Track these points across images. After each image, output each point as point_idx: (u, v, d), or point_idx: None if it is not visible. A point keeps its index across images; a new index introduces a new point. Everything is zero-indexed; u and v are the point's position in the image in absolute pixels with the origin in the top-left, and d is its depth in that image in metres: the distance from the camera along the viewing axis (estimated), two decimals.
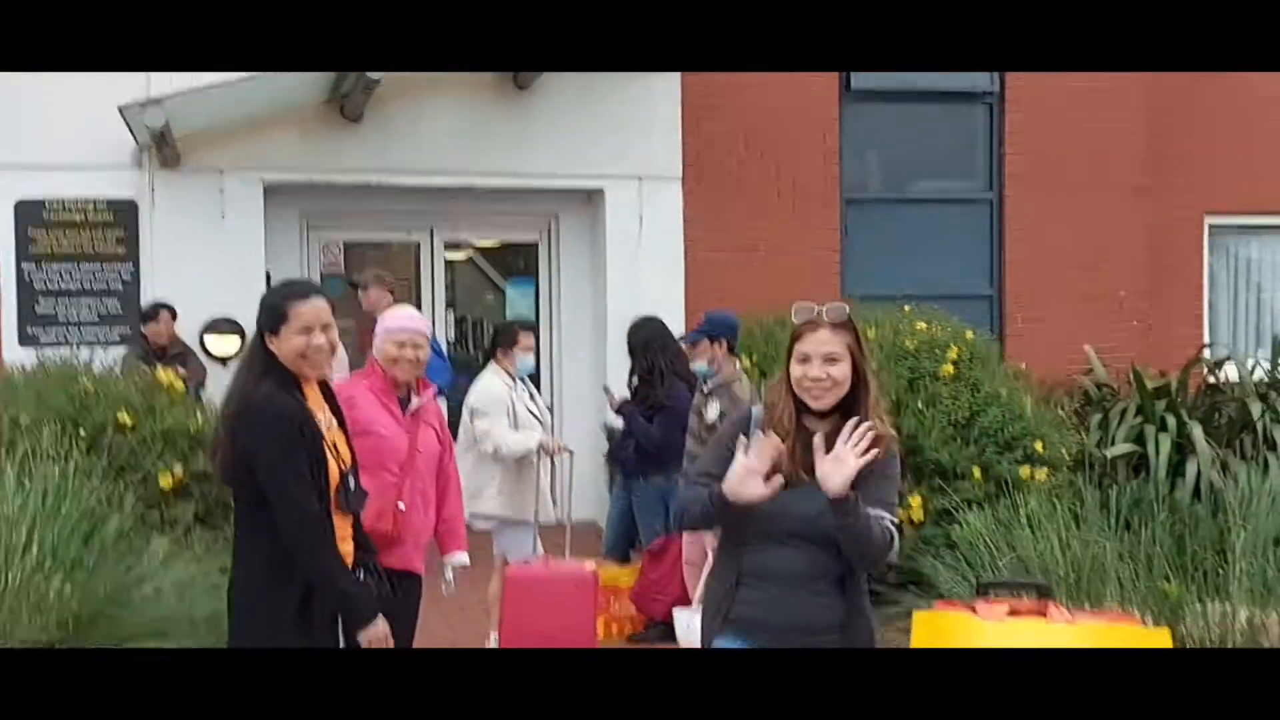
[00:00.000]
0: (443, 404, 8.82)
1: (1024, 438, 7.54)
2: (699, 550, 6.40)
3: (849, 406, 3.35)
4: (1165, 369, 10.12)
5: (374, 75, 8.23)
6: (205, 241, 9.03)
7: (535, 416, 6.80)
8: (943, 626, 3.35)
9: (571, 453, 6.91)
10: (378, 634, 3.64)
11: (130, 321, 9.02)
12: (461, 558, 5.09)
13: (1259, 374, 10.12)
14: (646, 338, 7.13)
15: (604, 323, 9.84)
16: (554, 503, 7.01)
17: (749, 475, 3.20)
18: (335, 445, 3.78)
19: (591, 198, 10.27)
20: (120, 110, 7.90)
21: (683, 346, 7.06)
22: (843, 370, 3.32)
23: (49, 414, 6.34)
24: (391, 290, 8.59)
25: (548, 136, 9.70)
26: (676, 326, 8.24)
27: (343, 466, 3.77)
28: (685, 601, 6.59)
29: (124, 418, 6.53)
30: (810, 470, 3.21)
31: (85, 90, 8.13)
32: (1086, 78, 10.35)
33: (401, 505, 4.58)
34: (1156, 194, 11.08)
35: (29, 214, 9.00)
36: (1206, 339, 11.33)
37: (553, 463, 6.92)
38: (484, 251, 11.02)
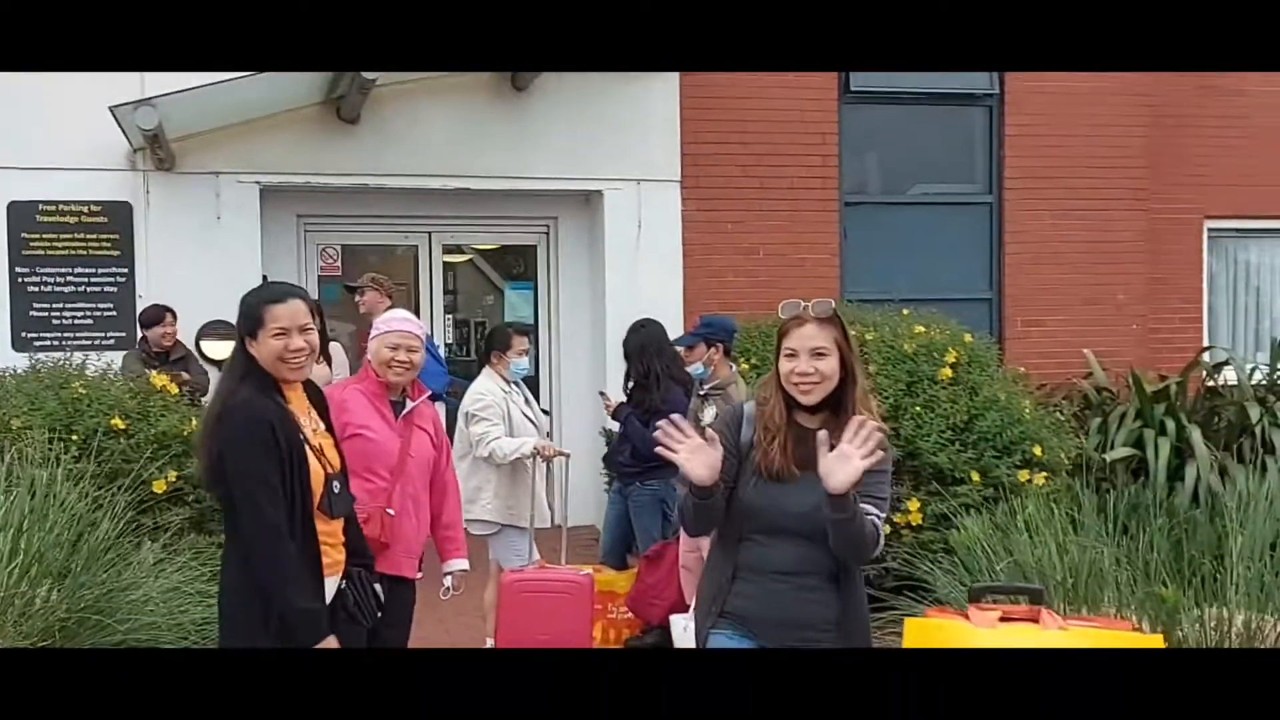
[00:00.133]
0: (441, 409, 8.89)
1: (1022, 442, 7.51)
2: (696, 555, 6.37)
3: (838, 401, 3.39)
4: (1164, 373, 10.12)
5: (370, 76, 8.20)
6: (201, 244, 9.00)
7: (531, 420, 6.77)
8: (934, 633, 3.33)
9: (567, 456, 6.87)
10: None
11: (125, 325, 8.98)
12: (461, 564, 5.05)
13: (1258, 377, 10.10)
14: (642, 342, 7.09)
15: (603, 325, 9.82)
16: (550, 507, 6.98)
17: (693, 452, 3.25)
18: (321, 449, 3.76)
19: (590, 200, 10.25)
20: (112, 110, 7.88)
21: (679, 350, 7.03)
22: (830, 365, 3.37)
23: (41, 418, 6.31)
24: (389, 294, 8.57)
25: (546, 139, 9.68)
26: (675, 329, 8.21)
27: (328, 470, 3.75)
28: (682, 606, 6.56)
29: (116, 422, 6.50)
30: (803, 465, 3.26)
31: (80, 91, 8.11)
32: (1087, 80, 10.35)
33: (390, 511, 4.55)
34: (1156, 197, 11.07)
35: (22, 216, 8.96)
36: (1206, 342, 11.32)
37: (549, 467, 6.89)
38: (485, 254, 11.00)
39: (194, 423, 6.52)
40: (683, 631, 6.29)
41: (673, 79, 9.81)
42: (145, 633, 4.33)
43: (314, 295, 9.37)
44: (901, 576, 6.66)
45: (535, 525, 6.64)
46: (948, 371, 7.61)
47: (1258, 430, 9.03)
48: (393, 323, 4.76)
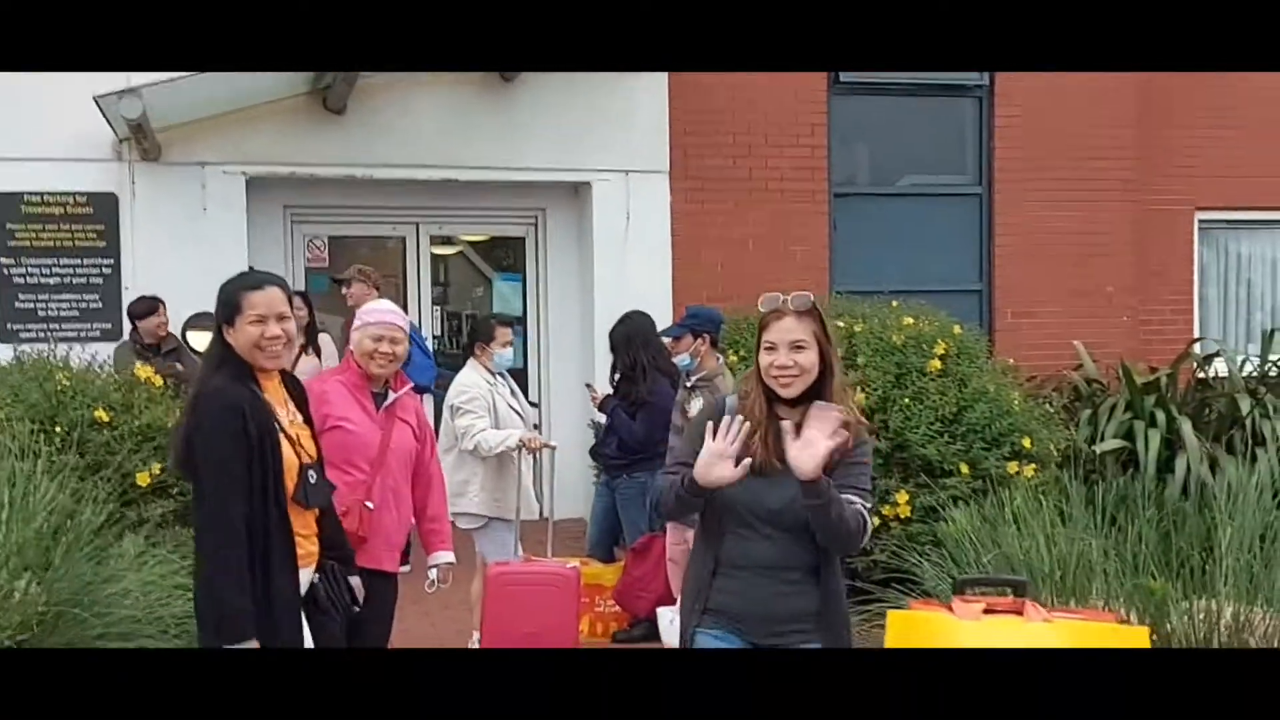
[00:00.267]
0: (429, 401, 8.85)
1: (1012, 434, 7.49)
2: (683, 548, 6.34)
3: (818, 394, 3.39)
4: (1155, 364, 10.10)
5: None
6: (186, 235, 8.94)
7: (517, 412, 6.74)
8: (917, 625, 3.31)
9: (553, 448, 6.84)
10: None
11: (111, 317, 8.94)
12: (446, 557, 5.00)
13: (1249, 369, 10.09)
14: (628, 333, 7.06)
15: (591, 317, 9.78)
16: (538, 499, 6.95)
17: (718, 458, 3.25)
18: (298, 439, 3.73)
19: (579, 191, 10.21)
20: (96, 100, 7.82)
21: (665, 341, 7.00)
22: (809, 358, 3.37)
23: (24, 410, 6.27)
24: (377, 285, 8.52)
25: (534, 130, 9.64)
26: (664, 321, 8.19)
27: (304, 460, 3.72)
28: (669, 599, 6.54)
29: (100, 414, 6.46)
30: (783, 458, 3.25)
31: (64, 81, 8.03)
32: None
33: (370, 504, 4.50)
34: (1147, 189, 11.06)
35: (7, 207, 8.90)
36: (1196, 334, 11.30)
37: (535, 459, 6.86)
38: (475, 245, 10.96)
39: (178, 414, 6.49)
40: (669, 624, 6.27)
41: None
42: (125, 626, 4.30)
43: (300, 286, 9.35)
44: (890, 569, 6.64)
45: (523, 517, 6.61)
46: (936, 363, 7.58)
47: (1248, 422, 9.01)
48: (376, 314, 4.72)
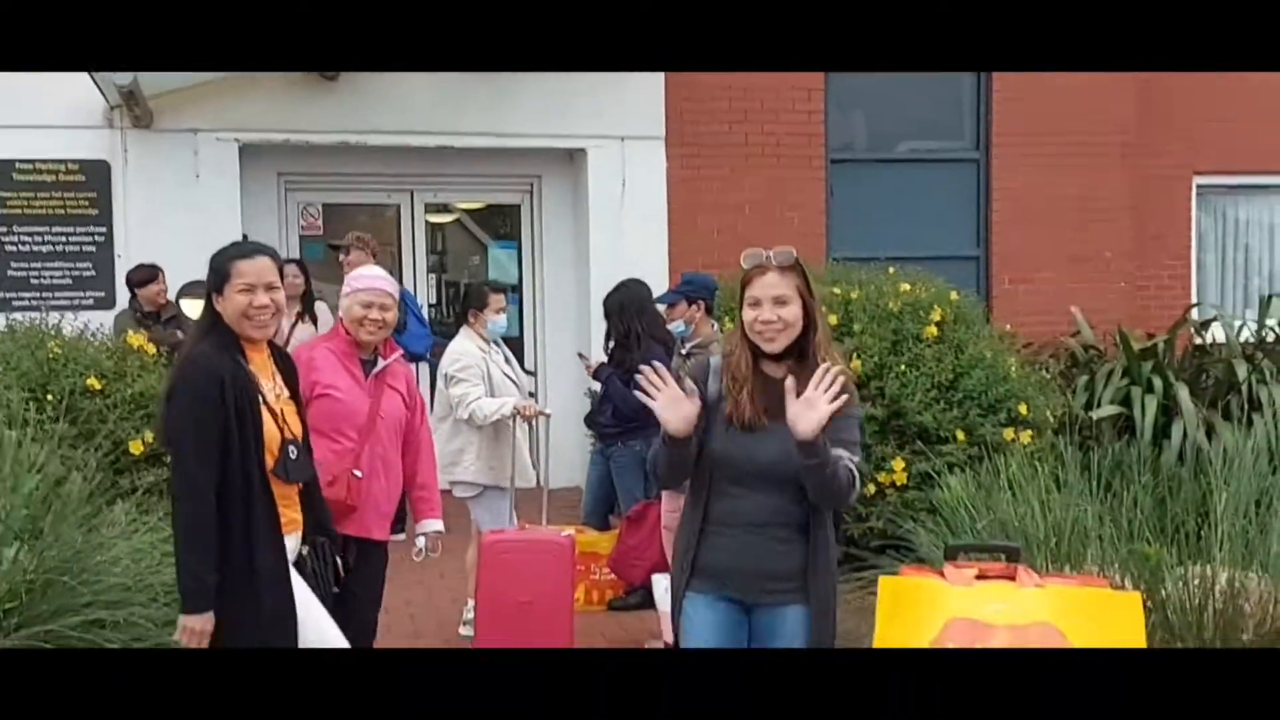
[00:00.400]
0: (424, 370, 8.82)
1: (1008, 400, 7.46)
2: (678, 516, 6.32)
3: (801, 349, 3.44)
4: (1152, 330, 10.07)
5: None
6: (179, 203, 8.90)
7: (511, 380, 6.70)
8: (909, 591, 3.29)
9: (548, 415, 6.81)
10: (193, 626, 3.51)
11: (104, 285, 8.91)
12: (435, 525, 4.97)
13: (1246, 335, 10.06)
14: (622, 300, 7.02)
15: (587, 284, 9.75)
16: (533, 468, 6.93)
17: (672, 402, 3.31)
18: (282, 414, 3.72)
19: (574, 158, 10.16)
20: None
21: (660, 309, 6.96)
22: (793, 312, 3.42)
23: (15, 378, 6.24)
24: (374, 253, 8.47)
25: (528, 96, 9.57)
26: (660, 288, 8.14)
27: (286, 435, 3.70)
28: (664, 567, 6.51)
29: (93, 382, 6.44)
30: (770, 414, 3.31)
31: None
32: None
33: (358, 473, 4.48)
34: (1144, 154, 11.00)
35: None
36: (1194, 300, 11.27)
37: (531, 427, 6.83)
38: (472, 213, 10.91)
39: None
40: (664, 592, 6.25)
41: None
42: (114, 594, 4.28)
43: (295, 254, 9.31)
44: (885, 536, 6.64)
45: (518, 486, 6.58)
46: (933, 330, 7.55)
47: (1245, 387, 8.98)
48: (365, 279, 4.68)
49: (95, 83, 8.03)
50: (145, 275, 8.32)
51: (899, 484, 7.09)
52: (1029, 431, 7.39)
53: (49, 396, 6.19)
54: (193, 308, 8.67)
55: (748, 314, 3.44)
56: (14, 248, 8.93)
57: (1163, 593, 4.73)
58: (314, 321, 8.42)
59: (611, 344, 7.17)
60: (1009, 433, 7.28)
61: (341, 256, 8.56)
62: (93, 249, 9.01)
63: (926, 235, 10.50)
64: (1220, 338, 9.99)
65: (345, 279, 4.84)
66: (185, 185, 8.96)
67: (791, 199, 10.23)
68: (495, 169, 10.15)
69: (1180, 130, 11.14)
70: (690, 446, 3.39)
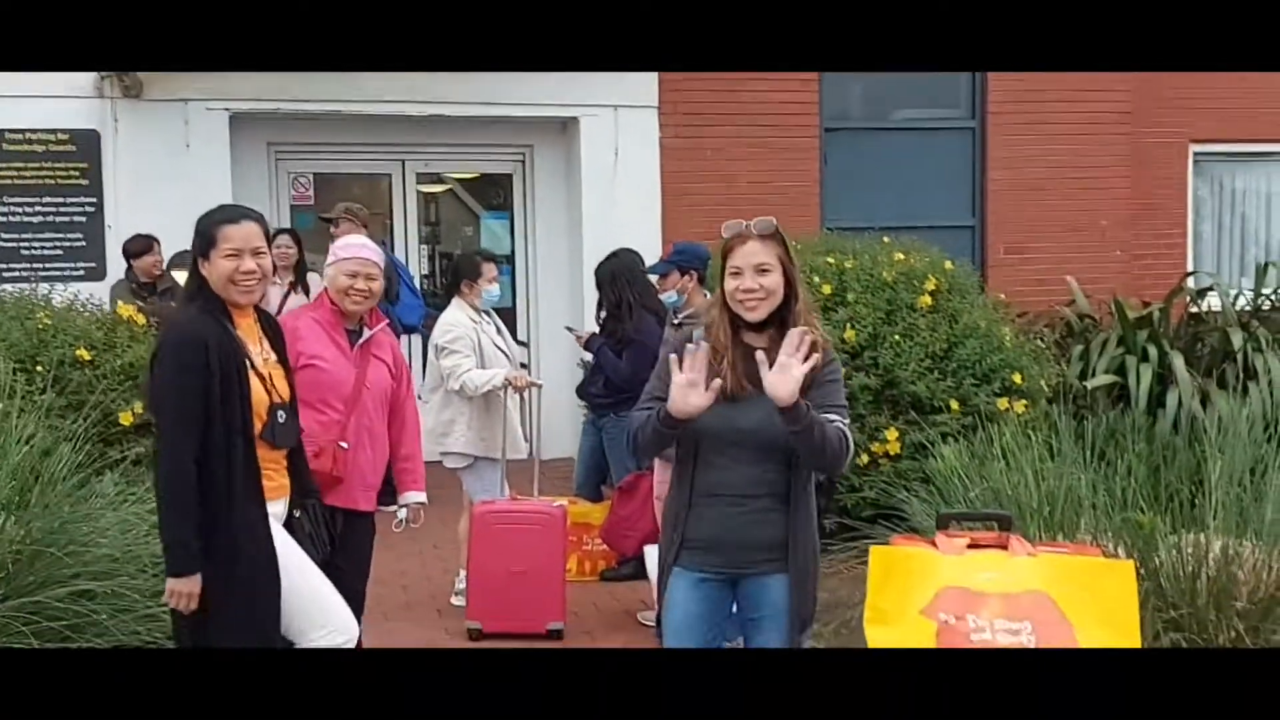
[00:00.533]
0: (416, 341, 8.78)
1: (1002, 369, 7.43)
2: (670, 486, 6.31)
3: (782, 317, 3.46)
4: (1148, 299, 10.05)
5: None
6: (170, 173, 8.83)
7: (502, 351, 6.67)
8: (900, 560, 3.27)
9: (540, 386, 6.78)
10: (180, 589, 3.50)
11: (94, 256, 8.86)
12: (418, 496, 4.92)
13: (1242, 303, 10.04)
14: (614, 270, 6.97)
15: (580, 255, 9.69)
16: (525, 439, 6.90)
17: (688, 387, 3.31)
18: (270, 378, 3.69)
19: (566, 127, 10.10)
20: None
21: (652, 279, 6.92)
22: (774, 280, 3.44)
23: (4, 349, 6.21)
24: (365, 224, 8.40)
25: None
26: (654, 259, 8.10)
27: (274, 399, 3.68)
28: (656, 537, 6.45)
29: (82, 353, 6.41)
30: (752, 382, 3.32)
31: None
32: None
33: (344, 444, 4.44)
34: (1141, 122, 10.95)
35: None
36: (1190, 268, 11.24)
37: (523, 398, 6.80)
38: (464, 183, 10.85)
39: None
40: (656, 563, 6.25)
41: None
42: (102, 565, 4.26)
43: (287, 224, 9.25)
44: (879, 506, 6.62)
45: (510, 457, 6.55)
46: (927, 299, 7.51)
47: (1240, 356, 8.97)
48: (350, 249, 4.63)
49: None
50: (140, 246, 8.26)
51: (892, 454, 7.07)
52: (1023, 401, 7.37)
53: (38, 367, 6.16)
54: (185, 278, 8.64)
55: (729, 283, 3.46)
56: (4, 218, 8.86)
57: (1156, 561, 4.73)
58: (306, 292, 8.37)
59: (603, 314, 7.13)
60: (1003, 402, 7.25)
61: (332, 229, 8.51)
62: (83, 219, 8.96)
63: (921, 204, 10.45)
64: (1216, 306, 9.97)
65: (330, 248, 4.79)
66: (175, 155, 8.90)
67: (786, 168, 10.18)
68: (488, 138, 10.09)
69: (1177, 99, 11.08)
70: (681, 429, 3.41)
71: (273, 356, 3.80)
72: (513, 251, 10.53)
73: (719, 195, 9.92)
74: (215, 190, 8.72)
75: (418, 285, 9.55)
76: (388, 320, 4.87)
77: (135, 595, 4.28)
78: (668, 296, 6.72)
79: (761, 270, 3.42)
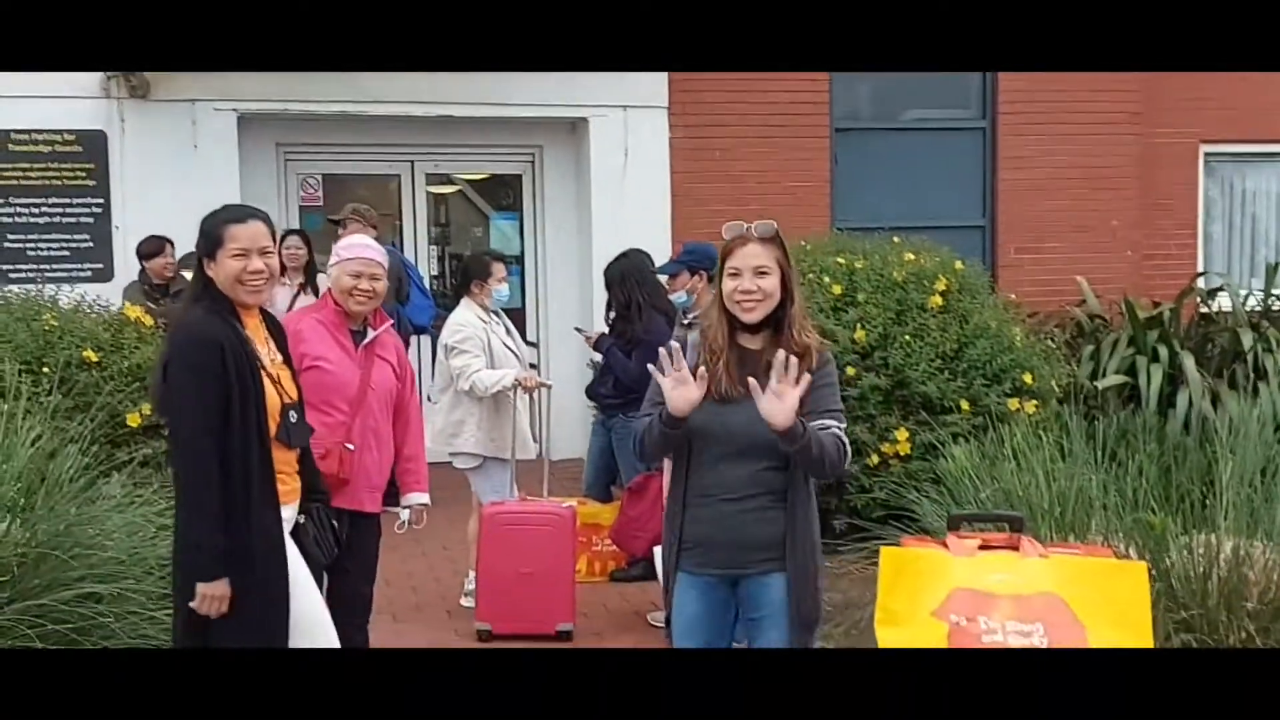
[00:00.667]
0: (426, 342, 8.75)
1: (1013, 370, 7.41)
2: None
3: (778, 320, 3.50)
4: (1158, 299, 10.01)
5: None
6: (177, 174, 8.81)
7: (512, 351, 6.65)
8: (911, 562, 3.24)
9: (549, 387, 6.76)
10: (212, 593, 3.47)
11: (101, 257, 8.85)
12: (421, 498, 4.89)
13: (1252, 304, 10.00)
14: (623, 270, 6.95)
15: (589, 255, 9.67)
16: (534, 439, 6.88)
17: (678, 384, 3.32)
18: (279, 379, 3.66)
19: (576, 128, 10.08)
20: None
21: (662, 279, 6.89)
22: (772, 283, 3.47)
23: (11, 351, 6.20)
24: (373, 225, 8.39)
25: None
26: (662, 259, 8.08)
27: (285, 400, 3.65)
28: None
29: (89, 354, 6.40)
30: (745, 383, 3.34)
31: None
32: None
33: (350, 446, 4.42)
34: (1151, 122, 10.92)
35: None
36: (1200, 268, 11.19)
37: (532, 399, 6.78)
38: (474, 184, 10.83)
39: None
40: None
41: None
42: (108, 568, 4.24)
43: (296, 225, 9.24)
44: (889, 506, 6.59)
45: (520, 457, 6.54)
46: (937, 299, 7.48)
47: (1250, 357, 8.94)
48: (353, 249, 4.61)
49: None
50: (152, 247, 8.25)
51: (903, 454, 7.04)
52: (1034, 401, 7.34)
53: (44, 369, 6.15)
54: None
55: (728, 284, 3.49)
56: (10, 219, 8.86)
57: (1167, 562, 4.70)
58: (315, 293, 8.35)
59: (612, 314, 7.11)
60: (1013, 403, 7.23)
61: (341, 231, 8.49)
62: (90, 220, 8.94)
63: (932, 204, 10.43)
64: (1226, 307, 9.93)
65: (333, 249, 4.77)
66: (183, 156, 8.89)
67: (796, 168, 10.16)
68: (497, 139, 10.08)
69: (1187, 99, 11.04)
70: (684, 428, 3.43)
71: (279, 357, 3.78)
72: (522, 252, 10.51)
73: (729, 195, 9.89)
74: (223, 191, 8.70)
75: (427, 286, 9.52)
76: (392, 321, 4.84)
77: (142, 598, 4.26)
78: (677, 297, 6.69)
79: (760, 273, 3.45)
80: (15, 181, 8.82)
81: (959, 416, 7.14)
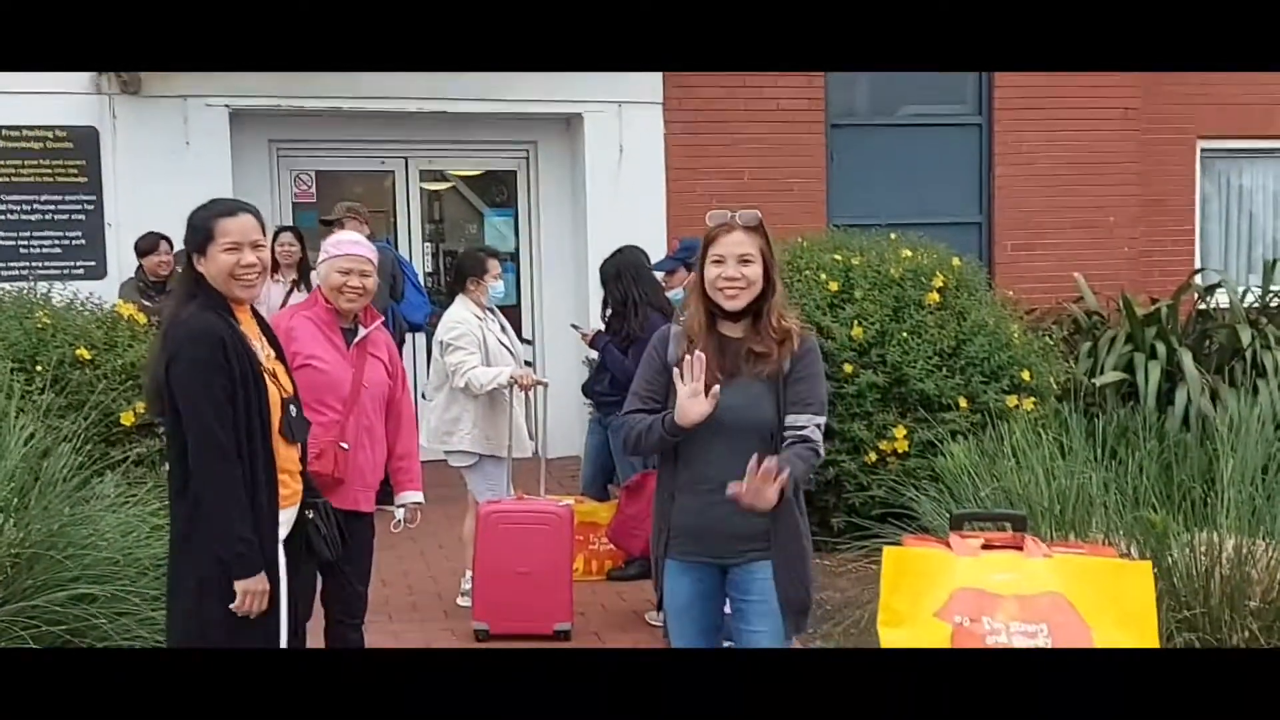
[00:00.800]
0: (421, 339, 8.71)
1: (1011, 367, 7.39)
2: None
3: (758, 310, 3.53)
4: (1156, 296, 10.00)
5: None
6: (169, 171, 8.73)
7: (507, 348, 6.60)
8: (912, 561, 3.21)
9: (545, 385, 6.72)
10: (253, 588, 3.43)
11: (93, 254, 8.79)
12: (415, 496, 4.83)
13: (1250, 300, 9.99)
14: (619, 267, 6.90)
15: (584, 251, 9.64)
16: (532, 437, 6.84)
17: (692, 397, 3.37)
18: (275, 374, 3.61)
19: (570, 124, 10.04)
20: None
21: (658, 275, 6.86)
22: (755, 271, 3.51)
23: (3, 349, 6.17)
24: (367, 223, 8.34)
25: None
26: (658, 255, 8.04)
27: (284, 394, 3.60)
28: None
29: (82, 352, 6.36)
30: (726, 372, 3.44)
31: None
32: None
33: (344, 445, 4.37)
34: (1148, 118, 10.90)
35: None
36: (1198, 265, 11.18)
37: (528, 397, 6.74)
38: (468, 181, 10.79)
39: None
40: None
41: None
42: (102, 568, 4.20)
43: (289, 222, 9.19)
44: (887, 504, 6.57)
45: (515, 455, 6.50)
46: (935, 296, 7.46)
47: (1249, 353, 8.93)
48: (342, 246, 4.55)
49: None
50: (147, 244, 8.19)
51: (901, 452, 7.02)
52: (1032, 398, 7.32)
53: (37, 367, 6.11)
54: None
55: (710, 271, 3.51)
56: (2, 216, 8.80)
57: (1169, 560, 4.67)
58: (309, 290, 8.32)
59: (608, 311, 7.07)
60: (1012, 400, 7.21)
61: (334, 229, 8.43)
62: (82, 217, 8.89)
63: (928, 201, 10.41)
64: (1224, 303, 9.92)
65: (323, 245, 4.72)
66: (175, 152, 8.83)
67: (792, 164, 10.12)
68: (491, 135, 10.03)
69: (1184, 95, 11.04)
70: (683, 435, 3.46)
71: (273, 352, 3.72)
72: (517, 249, 10.47)
73: (724, 192, 9.84)
74: (216, 188, 8.60)
75: (422, 283, 9.48)
76: (383, 318, 4.79)
77: (136, 599, 4.22)
78: (673, 293, 6.67)
79: (744, 260, 3.48)
80: (6, 178, 8.76)
81: (957, 414, 7.13)
